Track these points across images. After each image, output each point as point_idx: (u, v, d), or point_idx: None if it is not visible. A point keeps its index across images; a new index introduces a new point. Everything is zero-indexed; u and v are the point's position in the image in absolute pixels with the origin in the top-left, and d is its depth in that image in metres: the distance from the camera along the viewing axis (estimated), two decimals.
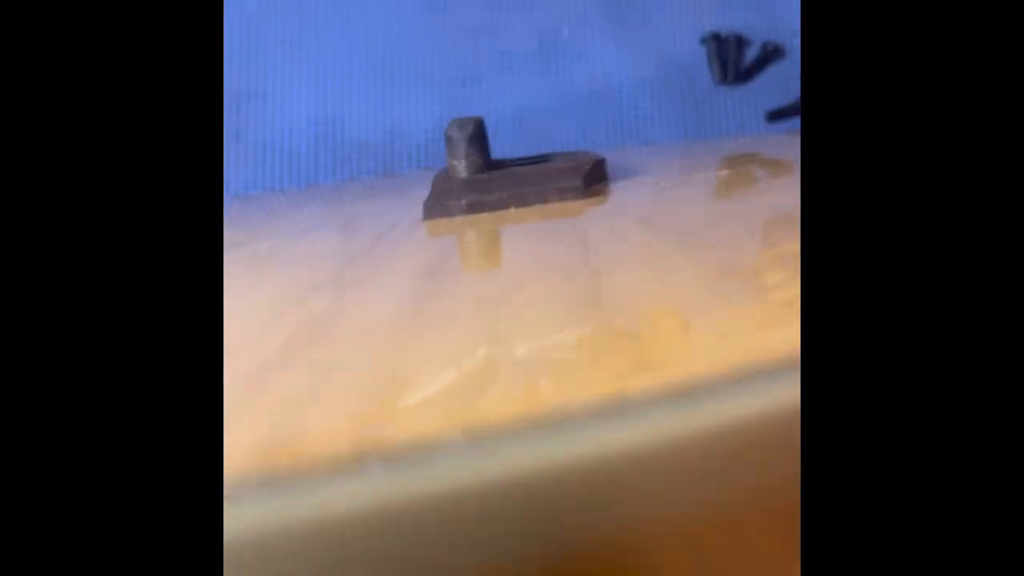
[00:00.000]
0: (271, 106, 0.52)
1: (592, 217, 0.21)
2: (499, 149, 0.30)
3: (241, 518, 0.09)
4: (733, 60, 0.65)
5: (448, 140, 0.26)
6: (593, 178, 0.27)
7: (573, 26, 0.57)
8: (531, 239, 0.19)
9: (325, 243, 0.21)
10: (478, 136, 0.26)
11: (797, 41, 0.52)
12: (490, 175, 0.26)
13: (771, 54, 0.53)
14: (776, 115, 0.53)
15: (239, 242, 0.23)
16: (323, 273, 0.17)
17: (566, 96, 0.57)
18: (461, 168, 0.26)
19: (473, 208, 0.23)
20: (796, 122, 0.52)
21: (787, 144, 0.36)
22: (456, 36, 0.56)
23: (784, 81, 0.54)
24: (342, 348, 0.12)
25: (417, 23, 0.55)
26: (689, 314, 0.12)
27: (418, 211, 0.26)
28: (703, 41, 0.65)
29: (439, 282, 0.15)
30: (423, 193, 0.25)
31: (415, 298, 0.14)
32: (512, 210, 0.23)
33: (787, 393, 0.10)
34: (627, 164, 0.35)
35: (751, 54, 0.54)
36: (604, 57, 0.57)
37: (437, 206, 0.24)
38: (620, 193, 0.25)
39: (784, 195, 0.20)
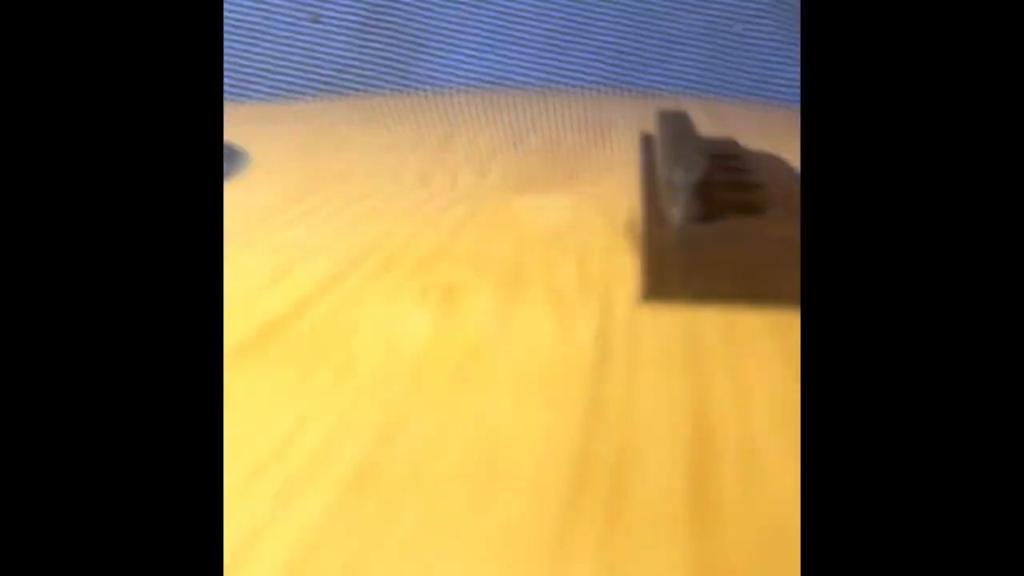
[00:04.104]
0: (437, 63, 0.51)
1: None
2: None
3: None
4: None
5: (669, 184, 0.26)
6: None
7: (746, 23, 0.55)
8: None
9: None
10: (702, 184, 0.25)
11: None
12: (707, 230, 0.24)
13: None
14: None
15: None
16: None
17: (729, 87, 0.55)
18: (676, 215, 0.25)
19: (700, 297, 0.19)
20: None
21: None
22: (627, 15, 0.54)
23: None
24: None
25: None
26: None
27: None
28: None
29: None
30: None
31: None
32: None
33: None
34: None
35: None
36: (772, 59, 0.55)
37: (660, 287, 0.20)
38: None
39: None
